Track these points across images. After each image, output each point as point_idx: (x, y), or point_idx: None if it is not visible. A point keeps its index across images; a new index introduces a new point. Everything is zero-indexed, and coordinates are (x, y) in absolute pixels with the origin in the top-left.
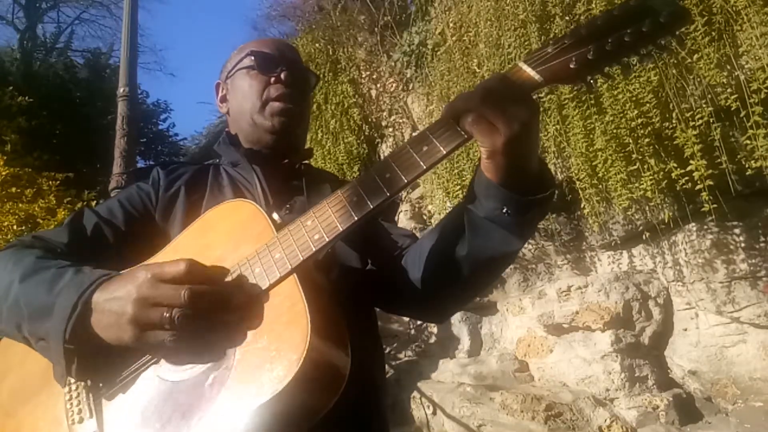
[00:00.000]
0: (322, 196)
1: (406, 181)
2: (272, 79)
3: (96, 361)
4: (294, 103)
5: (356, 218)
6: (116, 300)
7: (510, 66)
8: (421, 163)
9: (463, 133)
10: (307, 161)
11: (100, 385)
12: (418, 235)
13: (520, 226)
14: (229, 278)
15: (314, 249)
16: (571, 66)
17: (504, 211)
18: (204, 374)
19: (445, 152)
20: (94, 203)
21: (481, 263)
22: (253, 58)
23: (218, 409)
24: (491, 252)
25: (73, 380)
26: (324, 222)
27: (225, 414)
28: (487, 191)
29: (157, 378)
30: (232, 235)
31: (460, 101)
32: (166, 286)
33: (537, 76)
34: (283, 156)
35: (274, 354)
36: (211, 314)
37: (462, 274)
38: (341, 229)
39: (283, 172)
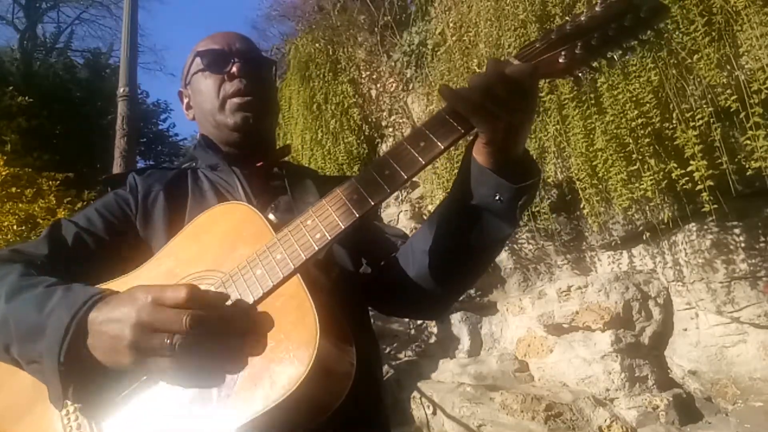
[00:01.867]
0: (306, 193)
1: (406, 177)
2: (225, 75)
3: (93, 382)
4: (253, 94)
5: (357, 215)
6: (114, 323)
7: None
8: (420, 159)
9: (459, 127)
10: (285, 159)
11: (99, 408)
12: None
13: (512, 212)
14: (229, 302)
15: (316, 248)
16: (560, 60)
17: (497, 198)
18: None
19: (443, 147)
20: None
21: (474, 252)
22: (200, 59)
23: (227, 413)
24: (485, 239)
25: (69, 404)
26: (325, 221)
27: (234, 418)
28: (480, 178)
29: (162, 387)
30: (227, 237)
31: (461, 91)
32: (167, 310)
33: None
34: (259, 155)
35: (283, 354)
36: (213, 340)
37: (456, 266)
38: (343, 227)
39: (264, 172)
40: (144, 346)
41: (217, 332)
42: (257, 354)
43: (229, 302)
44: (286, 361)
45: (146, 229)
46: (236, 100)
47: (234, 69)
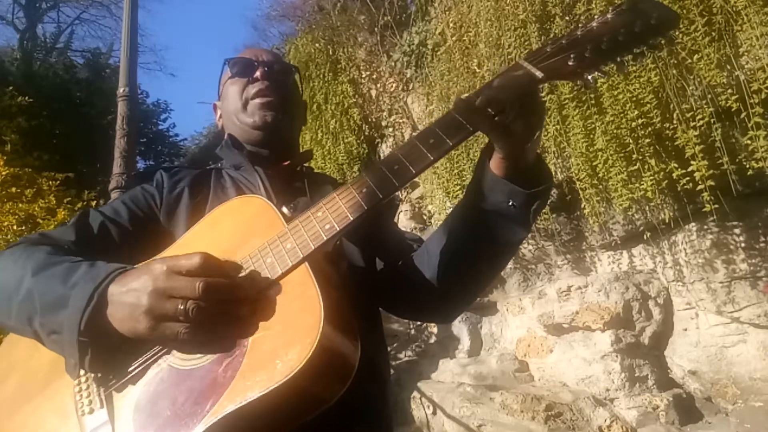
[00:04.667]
0: (325, 196)
1: (414, 172)
2: (249, 79)
3: (111, 354)
4: (274, 95)
5: (366, 208)
6: (132, 292)
7: (511, 64)
8: (429, 155)
9: (468, 126)
10: (307, 164)
11: (111, 377)
12: (420, 235)
13: (525, 217)
14: (242, 272)
15: (325, 238)
16: (570, 63)
17: (510, 204)
18: (217, 361)
19: (451, 144)
20: (93, 203)
21: (488, 254)
22: (228, 66)
23: (231, 393)
24: (499, 242)
25: (84, 373)
26: (334, 212)
27: (238, 398)
28: (493, 184)
29: (169, 367)
30: (241, 228)
31: (478, 106)
32: (181, 278)
33: (538, 73)
34: (282, 156)
35: (287, 339)
36: (225, 306)
37: (471, 268)
38: (352, 219)
39: (285, 174)
40: (159, 312)
41: (228, 299)
42: (267, 319)
43: (241, 272)
44: (290, 346)
45: (170, 222)
46: (258, 100)
47: (257, 73)
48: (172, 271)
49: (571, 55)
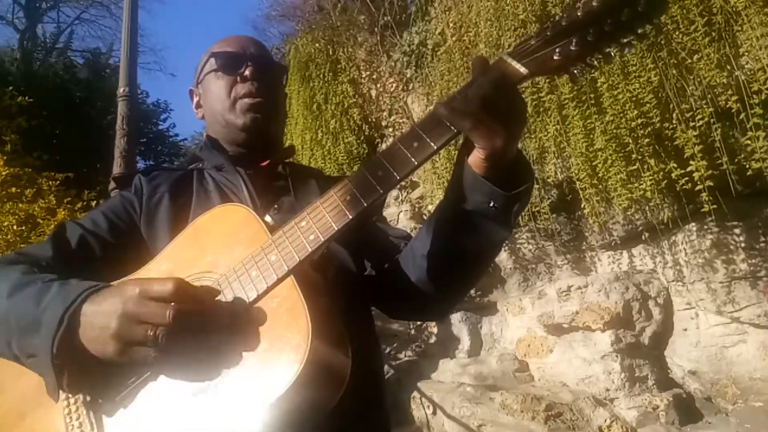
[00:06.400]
0: (309, 193)
1: (398, 178)
2: (238, 77)
3: (90, 375)
4: (263, 97)
5: (351, 217)
6: (102, 314)
7: (495, 60)
8: (413, 160)
9: (452, 127)
10: (290, 159)
11: (99, 400)
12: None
13: (507, 216)
14: (218, 298)
15: (310, 250)
16: (555, 58)
17: (491, 205)
18: (206, 383)
19: (435, 147)
20: (94, 203)
21: (472, 255)
22: (215, 60)
23: (222, 415)
24: (482, 243)
25: (64, 395)
26: (318, 222)
27: (229, 419)
28: (474, 185)
29: (159, 387)
30: (225, 239)
31: (457, 106)
32: (152, 303)
33: (523, 69)
34: (264, 155)
35: (276, 356)
36: (197, 334)
37: (456, 268)
38: (336, 229)
39: (268, 172)
40: (128, 336)
41: (199, 327)
42: (250, 348)
43: (220, 298)
44: (279, 363)
45: (150, 230)
46: (247, 100)
47: (247, 72)
48: (143, 295)
49: (557, 49)
